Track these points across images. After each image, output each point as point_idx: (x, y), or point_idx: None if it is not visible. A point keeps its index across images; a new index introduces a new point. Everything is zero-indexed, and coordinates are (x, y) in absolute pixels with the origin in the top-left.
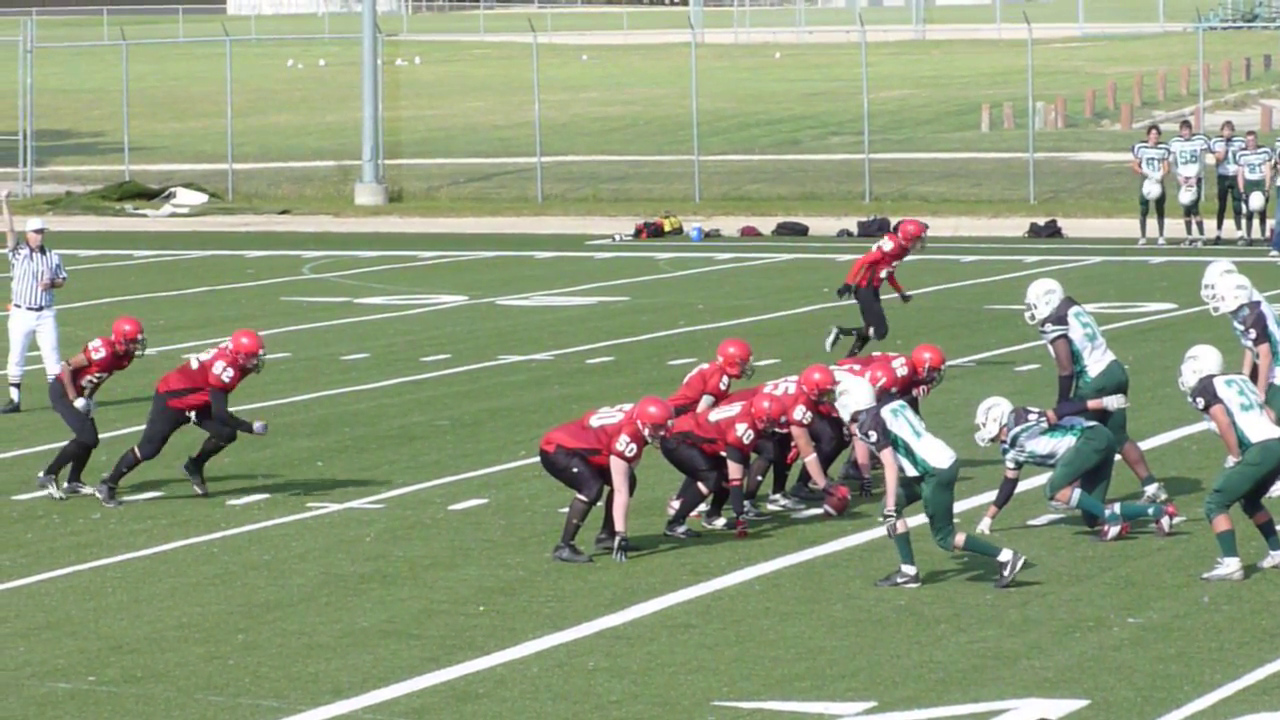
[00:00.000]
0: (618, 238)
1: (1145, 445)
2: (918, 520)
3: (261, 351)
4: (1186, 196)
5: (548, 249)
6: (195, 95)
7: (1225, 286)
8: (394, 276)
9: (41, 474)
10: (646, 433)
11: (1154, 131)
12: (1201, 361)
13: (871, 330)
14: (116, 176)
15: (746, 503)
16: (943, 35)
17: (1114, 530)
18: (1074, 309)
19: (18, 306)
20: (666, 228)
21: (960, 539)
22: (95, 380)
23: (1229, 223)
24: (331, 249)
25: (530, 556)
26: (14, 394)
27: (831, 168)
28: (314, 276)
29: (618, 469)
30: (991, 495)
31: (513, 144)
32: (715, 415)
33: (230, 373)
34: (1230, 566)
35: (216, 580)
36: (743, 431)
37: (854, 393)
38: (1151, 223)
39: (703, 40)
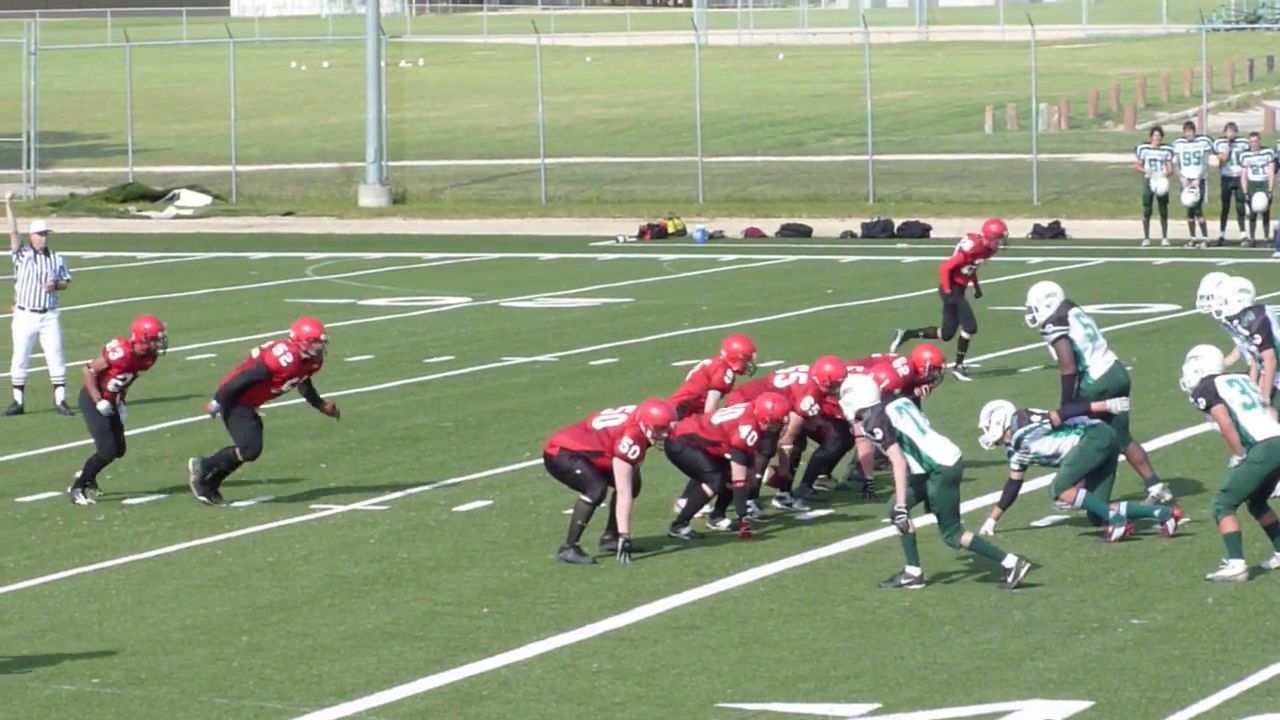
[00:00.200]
0: (621, 239)
1: (1149, 446)
2: (922, 521)
3: (323, 337)
4: (1190, 198)
5: (552, 251)
6: (199, 97)
7: (1228, 291)
8: (398, 278)
9: (69, 489)
10: (649, 434)
11: (1157, 133)
12: (1203, 361)
13: (940, 331)
14: (120, 178)
15: (750, 503)
16: (946, 37)
17: (1118, 531)
18: (1074, 310)
19: (21, 308)
20: (670, 229)
21: (967, 538)
22: (121, 383)
23: (1232, 224)
24: (335, 251)
25: (534, 558)
26: (17, 396)
27: (835, 169)
28: (318, 278)
29: (621, 471)
30: (995, 496)
31: (516, 146)
32: (719, 417)
33: (289, 358)
34: (1235, 568)
35: (220, 582)
36: (746, 433)
37: (858, 390)
38: (1155, 224)
39: (706, 42)
